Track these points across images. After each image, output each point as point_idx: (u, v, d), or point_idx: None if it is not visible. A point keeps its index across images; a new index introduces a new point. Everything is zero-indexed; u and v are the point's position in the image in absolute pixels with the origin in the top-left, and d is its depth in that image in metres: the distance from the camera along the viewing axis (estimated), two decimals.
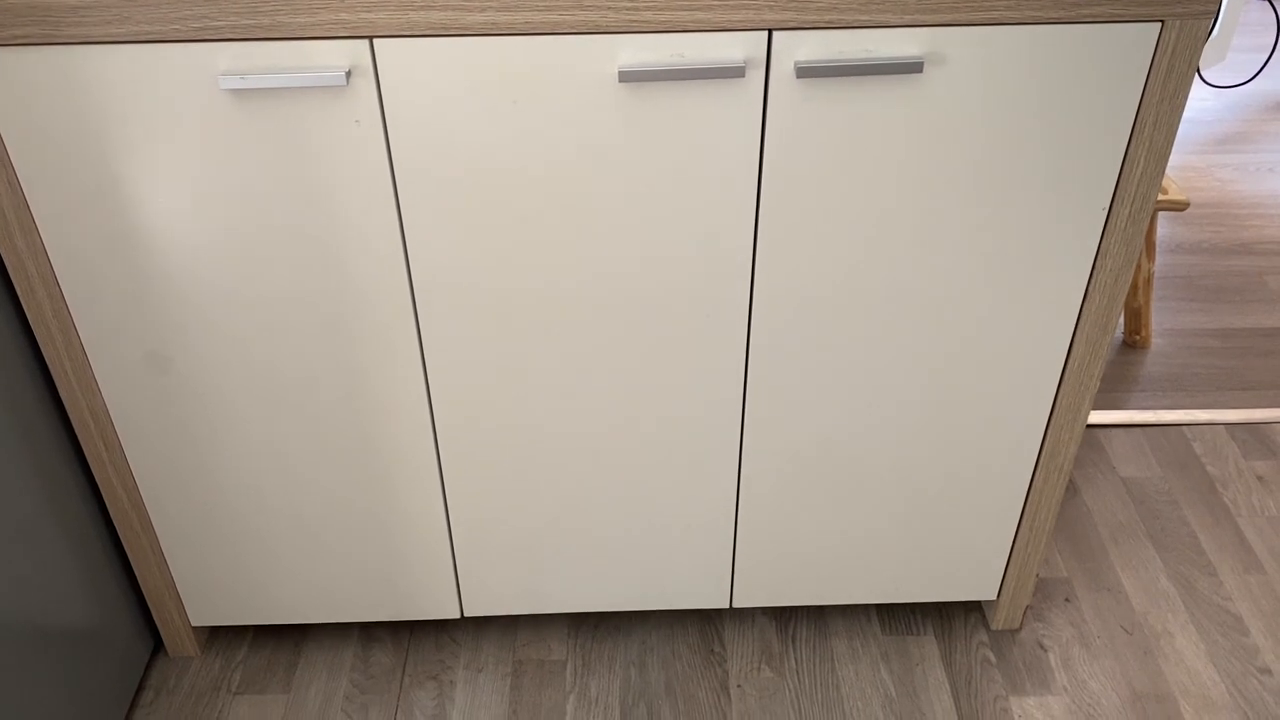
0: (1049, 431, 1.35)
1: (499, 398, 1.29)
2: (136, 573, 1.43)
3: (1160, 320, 2.21)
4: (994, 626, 1.58)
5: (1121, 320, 2.16)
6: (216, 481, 1.36)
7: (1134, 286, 2.08)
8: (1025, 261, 1.20)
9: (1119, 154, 1.13)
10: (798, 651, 1.56)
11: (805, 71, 1.05)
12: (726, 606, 1.54)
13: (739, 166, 1.12)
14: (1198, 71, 1.86)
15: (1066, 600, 1.63)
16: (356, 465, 1.35)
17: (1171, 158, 2.75)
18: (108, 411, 1.28)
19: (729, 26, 1.03)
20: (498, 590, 1.49)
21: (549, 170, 1.11)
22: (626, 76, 1.04)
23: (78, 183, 1.11)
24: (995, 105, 1.09)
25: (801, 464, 1.37)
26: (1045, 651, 1.56)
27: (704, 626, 1.60)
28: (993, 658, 1.55)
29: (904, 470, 1.39)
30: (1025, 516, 1.44)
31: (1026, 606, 1.61)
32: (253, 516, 1.39)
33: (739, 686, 1.52)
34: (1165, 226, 2.50)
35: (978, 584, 1.52)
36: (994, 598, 1.54)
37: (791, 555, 1.47)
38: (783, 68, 1.06)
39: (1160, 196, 1.94)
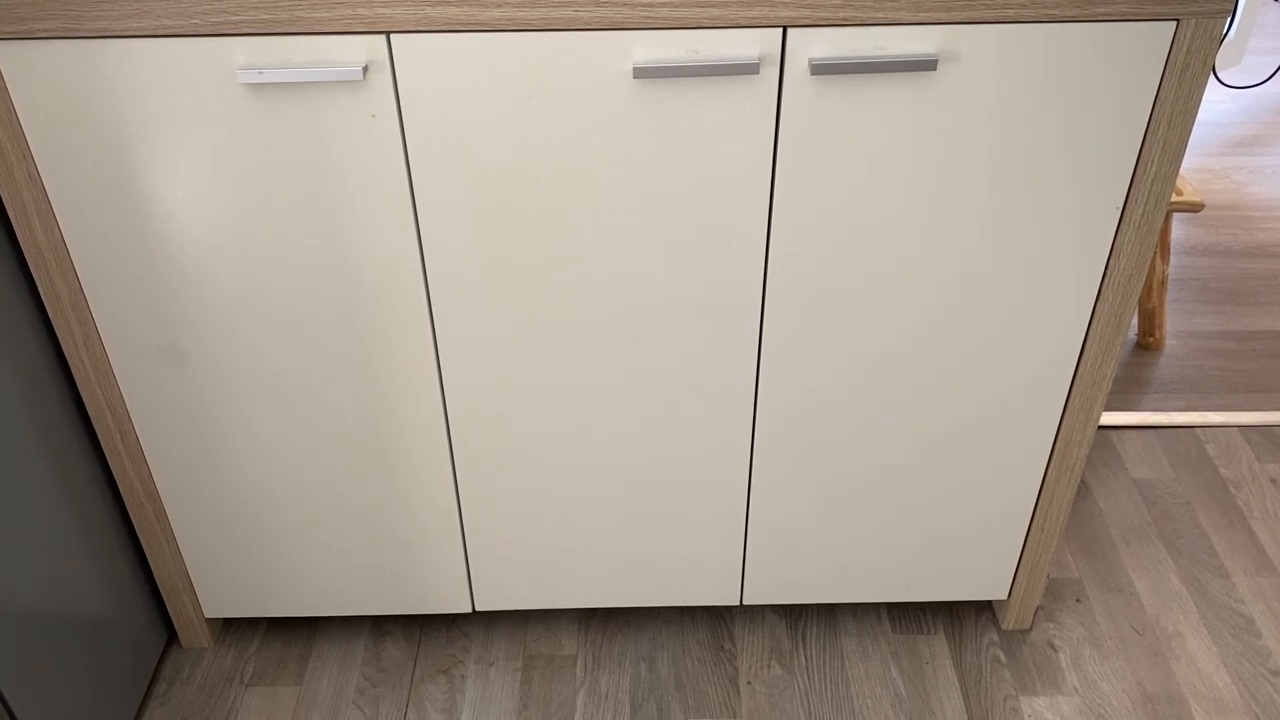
0: (1061, 432, 1.35)
1: (512, 392, 1.29)
2: (151, 564, 1.45)
3: (1174, 322, 2.20)
4: (1005, 626, 1.58)
5: (1135, 322, 2.16)
6: (231, 474, 1.37)
7: (1148, 288, 2.08)
8: (1038, 261, 1.20)
9: (1133, 153, 1.13)
10: (808, 649, 1.56)
11: (819, 69, 1.05)
12: (737, 604, 1.54)
13: (753, 163, 1.12)
14: (1214, 73, 1.85)
15: (1077, 601, 1.63)
16: (370, 460, 1.35)
17: (1187, 159, 2.75)
18: (125, 404, 1.29)
19: (744, 23, 1.03)
20: (509, 585, 1.50)
21: (563, 166, 1.12)
22: (641, 73, 1.04)
23: (97, 175, 1.12)
24: (1009, 103, 1.09)
25: (813, 462, 1.37)
26: (1056, 652, 1.56)
27: (714, 623, 1.60)
28: (1003, 657, 1.55)
29: (915, 469, 1.39)
30: (1037, 516, 1.44)
31: (1037, 607, 1.60)
32: (266, 509, 1.40)
33: (749, 683, 1.52)
34: (1180, 228, 2.49)
35: (988, 584, 1.52)
36: (1005, 597, 1.54)
37: (802, 553, 1.47)
38: (797, 65, 1.06)
39: (1175, 198, 1.94)
